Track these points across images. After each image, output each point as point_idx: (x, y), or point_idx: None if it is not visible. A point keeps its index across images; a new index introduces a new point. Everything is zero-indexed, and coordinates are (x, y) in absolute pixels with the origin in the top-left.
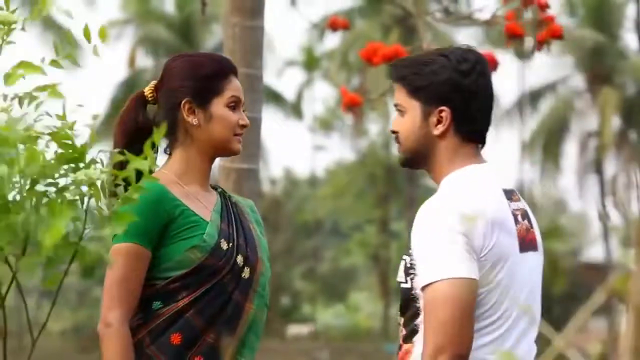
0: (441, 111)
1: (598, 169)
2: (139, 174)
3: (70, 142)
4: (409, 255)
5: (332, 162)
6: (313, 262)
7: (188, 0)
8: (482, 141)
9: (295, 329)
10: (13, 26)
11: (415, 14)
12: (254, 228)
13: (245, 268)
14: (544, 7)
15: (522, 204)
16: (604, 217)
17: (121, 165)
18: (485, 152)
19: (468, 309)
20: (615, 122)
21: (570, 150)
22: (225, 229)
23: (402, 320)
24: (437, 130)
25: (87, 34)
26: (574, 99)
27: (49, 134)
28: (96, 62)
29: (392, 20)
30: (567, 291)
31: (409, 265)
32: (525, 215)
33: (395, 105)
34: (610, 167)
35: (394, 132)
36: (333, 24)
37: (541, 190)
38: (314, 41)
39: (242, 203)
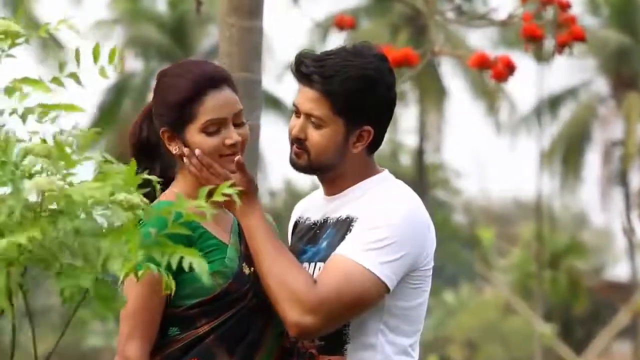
0: (363, 130)
1: (623, 180)
2: (148, 195)
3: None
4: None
5: None
6: None
7: None
8: None
9: None
10: (17, 39)
11: (426, 13)
12: None
13: None
14: (565, 6)
15: None
16: (629, 232)
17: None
18: (502, 161)
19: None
20: None
21: (593, 160)
22: (246, 251)
23: None
24: (356, 149)
25: (96, 53)
26: (597, 105)
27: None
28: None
29: (401, 19)
30: (589, 312)
31: None
32: None
33: (309, 115)
34: (636, 178)
35: (299, 138)
36: (340, 22)
37: (561, 203)
38: (316, 43)
39: None
